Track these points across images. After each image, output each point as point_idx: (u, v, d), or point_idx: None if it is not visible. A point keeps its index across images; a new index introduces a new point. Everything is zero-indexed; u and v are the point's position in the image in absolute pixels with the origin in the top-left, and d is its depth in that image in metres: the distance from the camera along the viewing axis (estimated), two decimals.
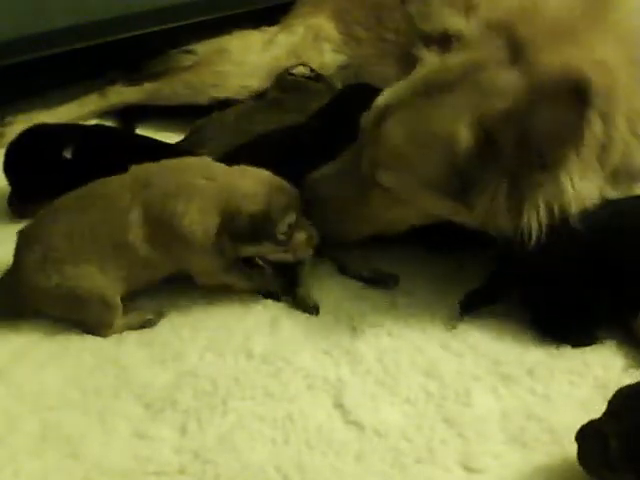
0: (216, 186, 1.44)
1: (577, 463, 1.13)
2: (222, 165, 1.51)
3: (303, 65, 2.17)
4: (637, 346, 1.40)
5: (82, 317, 1.47)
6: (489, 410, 1.30)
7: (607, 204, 1.41)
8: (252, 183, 1.45)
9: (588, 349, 1.41)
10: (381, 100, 1.50)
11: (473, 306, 1.47)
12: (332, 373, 1.37)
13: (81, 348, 1.45)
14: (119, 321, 1.47)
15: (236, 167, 1.49)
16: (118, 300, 1.46)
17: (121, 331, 1.47)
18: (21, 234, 1.49)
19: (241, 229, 1.42)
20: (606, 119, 1.35)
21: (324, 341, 1.44)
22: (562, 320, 1.43)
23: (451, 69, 1.44)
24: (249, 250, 1.48)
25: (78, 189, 1.51)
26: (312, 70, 2.16)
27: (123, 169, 1.72)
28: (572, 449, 1.20)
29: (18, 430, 1.29)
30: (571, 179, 1.36)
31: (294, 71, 2.15)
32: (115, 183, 1.49)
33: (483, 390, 1.33)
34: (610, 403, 1.11)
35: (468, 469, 1.20)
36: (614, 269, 1.37)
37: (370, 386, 1.35)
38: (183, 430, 1.28)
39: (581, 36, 1.38)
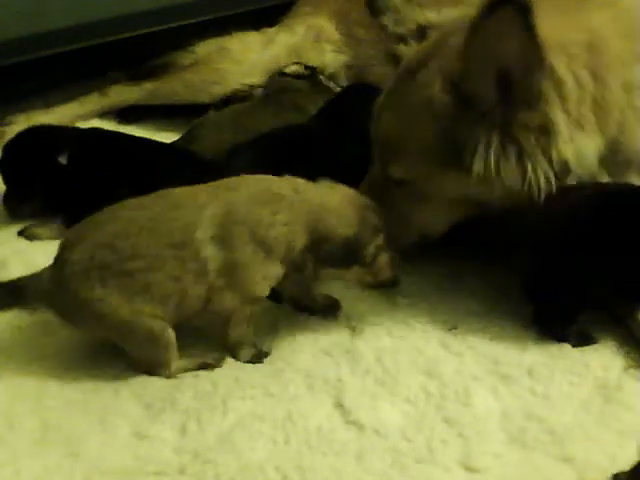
0: (305, 202, 1.36)
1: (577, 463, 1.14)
2: (307, 181, 1.41)
3: (298, 64, 2.17)
4: (637, 346, 1.40)
5: (129, 348, 1.38)
6: (489, 410, 1.30)
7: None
8: (342, 203, 1.37)
9: (588, 349, 1.41)
10: (376, 104, 1.54)
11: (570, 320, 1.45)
12: (332, 373, 1.37)
13: (81, 348, 1.45)
14: (178, 363, 1.38)
15: (323, 183, 1.42)
16: (169, 335, 1.35)
17: (180, 373, 1.38)
18: (66, 238, 1.41)
19: (333, 253, 1.35)
20: (596, 77, 1.38)
21: (324, 341, 1.44)
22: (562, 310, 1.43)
23: (422, 50, 1.49)
24: (331, 273, 1.41)
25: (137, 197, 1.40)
26: (307, 67, 2.16)
27: (121, 171, 1.74)
28: (572, 449, 1.21)
29: (18, 430, 1.29)
30: (559, 118, 1.37)
31: (287, 70, 2.16)
32: (187, 188, 1.40)
33: (483, 390, 1.33)
34: None
35: (468, 469, 1.20)
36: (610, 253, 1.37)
37: (370, 386, 1.35)
38: (183, 430, 1.28)
39: (575, 9, 1.41)
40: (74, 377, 1.39)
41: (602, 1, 1.47)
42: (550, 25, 1.32)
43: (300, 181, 1.41)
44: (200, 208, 1.34)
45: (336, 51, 2.26)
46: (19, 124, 2.07)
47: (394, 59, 1.66)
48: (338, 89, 2.13)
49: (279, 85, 2.14)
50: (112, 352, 1.44)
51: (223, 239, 1.33)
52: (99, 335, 1.40)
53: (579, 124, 1.39)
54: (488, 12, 1.27)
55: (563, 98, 1.37)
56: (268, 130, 1.83)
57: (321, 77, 2.17)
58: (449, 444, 1.24)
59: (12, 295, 1.39)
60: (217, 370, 1.38)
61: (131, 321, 1.33)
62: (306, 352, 1.42)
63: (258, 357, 1.41)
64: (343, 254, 1.36)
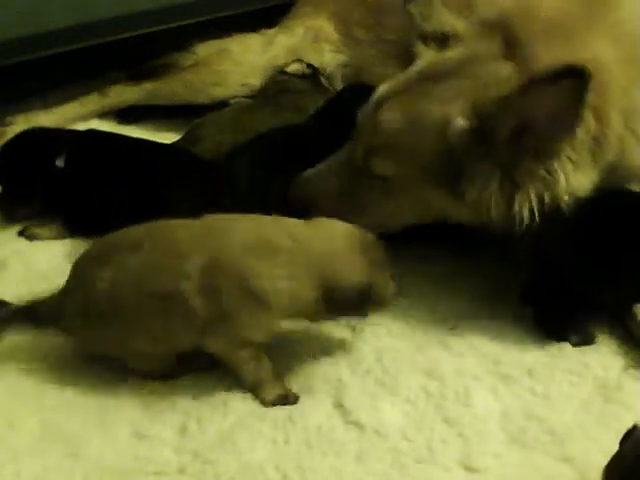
0: (307, 253, 1.29)
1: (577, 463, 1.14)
2: (298, 222, 1.34)
3: (299, 61, 2.17)
4: (637, 346, 1.40)
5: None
6: (489, 410, 1.30)
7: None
8: (347, 247, 1.30)
9: (588, 349, 1.41)
10: (378, 93, 1.53)
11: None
12: (332, 373, 1.37)
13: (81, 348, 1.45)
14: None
15: (314, 222, 1.34)
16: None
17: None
18: (73, 266, 1.39)
19: (346, 301, 1.29)
20: (598, 115, 1.38)
21: (324, 341, 1.44)
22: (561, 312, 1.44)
23: (446, 61, 1.48)
24: (342, 316, 1.38)
25: (135, 226, 1.37)
26: (309, 66, 2.16)
27: (119, 172, 1.73)
28: (572, 449, 1.21)
29: (18, 430, 1.28)
30: (564, 170, 1.37)
31: (288, 69, 2.15)
32: (177, 227, 1.35)
33: (483, 390, 1.33)
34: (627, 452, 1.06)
35: (468, 469, 1.20)
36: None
37: (370, 386, 1.35)
38: (183, 430, 1.28)
39: (576, 35, 1.40)
40: (74, 377, 1.39)
41: (601, 24, 1.45)
42: (552, 58, 1.32)
43: (293, 225, 1.33)
44: (186, 257, 1.28)
45: (335, 51, 2.26)
46: (19, 124, 2.07)
47: (405, 58, 1.65)
48: (337, 89, 2.13)
49: (279, 85, 2.14)
50: None
51: (211, 289, 1.27)
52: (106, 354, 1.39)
53: (577, 167, 1.39)
54: (555, 77, 1.27)
55: (572, 148, 1.37)
56: (267, 130, 1.83)
57: (322, 77, 2.17)
58: (449, 444, 1.24)
59: (26, 318, 1.39)
60: (217, 370, 1.38)
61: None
62: (306, 352, 1.42)
63: (284, 398, 1.32)
64: (357, 300, 1.30)
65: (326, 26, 2.27)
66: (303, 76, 2.14)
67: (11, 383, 1.38)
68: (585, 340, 1.41)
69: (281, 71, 2.16)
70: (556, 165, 1.37)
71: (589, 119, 1.37)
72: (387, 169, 1.47)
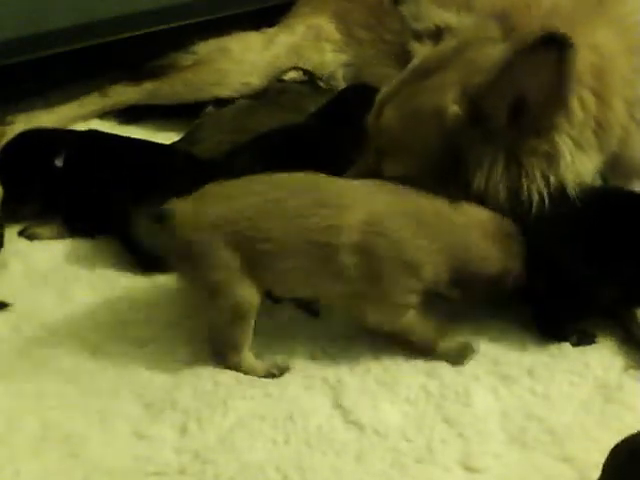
0: (449, 234, 1.33)
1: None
2: (446, 202, 1.36)
3: (295, 69, 2.18)
4: (637, 346, 1.40)
5: (212, 316, 1.37)
6: (489, 410, 1.30)
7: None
8: (487, 238, 1.34)
9: (588, 349, 1.41)
10: (379, 96, 1.54)
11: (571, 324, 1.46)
12: (331, 373, 1.37)
13: (81, 348, 1.45)
14: (250, 360, 1.38)
15: (459, 205, 1.36)
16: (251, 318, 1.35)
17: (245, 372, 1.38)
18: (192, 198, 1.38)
19: (475, 287, 1.35)
20: (600, 98, 1.38)
21: (324, 341, 1.44)
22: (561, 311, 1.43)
23: (439, 53, 1.48)
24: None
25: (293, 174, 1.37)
26: (305, 72, 2.17)
27: (118, 172, 1.73)
28: (572, 449, 1.21)
29: (18, 430, 1.29)
30: (567, 147, 1.37)
31: (286, 77, 2.16)
32: (332, 183, 1.38)
33: (483, 390, 1.33)
34: (612, 458, 1.05)
35: (468, 469, 1.20)
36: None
37: (370, 386, 1.35)
38: (183, 430, 1.28)
39: (578, 24, 1.40)
40: (74, 377, 1.39)
41: (605, 15, 1.46)
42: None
43: (443, 205, 1.36)
44: (344, 211, 1.31)
45: (336, 51, 2.26)
46: (19, 124, 2.07)
47: (398, 55, 1.65)
48: (338, 89, 2.13)
49: (280, 86, 2.15)
50: (112, 352, 1.44)
51: (366, 250, 1.30)
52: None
53: (580, 147, 1.39)
54: (534, 46, 1.27)
55: (571, 125, 1.37)
56: (267, 130, 1.83)
57: (319, 81, 2.17)
58: (449, 444, 1.24)
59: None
60: (217, 370, 1.38)
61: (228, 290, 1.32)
62: (306, 352, 1.42)
63: (463, 349, 1.38)
64: (485, 288, 1.35)
65: (327, 25, 2.27)
66: (301, 83, 2.15)
67: (11, 383, 1.38)
68: (585, 340, 1.41)
69: (278, 79, 2.16)
70: (558, 140, 1.37)
71: (589, 99, 1.37)
72: (396, 169, 1.47)
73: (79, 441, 1.26)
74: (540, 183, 1.38)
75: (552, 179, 1.38)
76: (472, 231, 1.35)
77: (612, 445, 1.08)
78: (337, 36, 2.26)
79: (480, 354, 1.41)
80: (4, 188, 1.82)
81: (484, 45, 1.41)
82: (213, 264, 1.32)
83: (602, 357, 1.39)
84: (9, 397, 1.35)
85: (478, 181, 1.39)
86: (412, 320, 1.36)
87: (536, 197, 1.38)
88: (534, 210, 1.39)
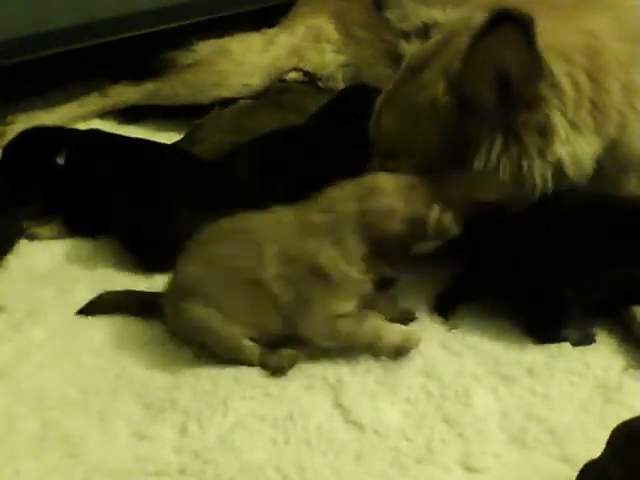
0: (340, 214, 1.36)
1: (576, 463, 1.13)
2: (329, 190, 1.40)
3: (296, 70, 2.18)
4: (637, 346, 1.40)
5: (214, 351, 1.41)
6: (489, 410, 1.30)
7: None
8: (376, 197, 1.36)
9: (588, 349, 1.41)
10: (378, 102, 1.55)
11: (449, 306, 1.49)
12: (332, 373, 1.37)
13: (81, 348, 1.45)
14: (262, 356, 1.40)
15: (349, 183, 1.40)
16: (246, 342, 1.39)
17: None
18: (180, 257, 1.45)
19: (395, 245, 1.36)
20: (594, 79, 1.39)
21: None
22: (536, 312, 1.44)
23: (428, 49, 1.50)
24: (402, 266, 1.42)
25: (224, 219, 1.44)
26: (305, 74, 2.17)
27: (119, 172, 1.73)
28: (572, 449, 1.20)
29: (18, 430, 1.29)
30: (558, 120, 1.38)
31: (286, 77, 2.16)
32: (258, 218, 1.43)
33: (483, 390, 1.33)
34: (612, 442, 1.06)
35: (468, 469, 1.20)
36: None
37: (370, 386, 1.35)
38: (183, 430, 1.28)
39: (575, 11, 1.42)
40: (74, 377, 1.39)
41: (602, 4, 1.47)
42: (549, 29, 1.33)
43: (324, 198, 1.39)
44: (261, 247, 1.36)
45: (336, 51, 2.26)
46: (19, 124, 2.07)
47: (395, 57, 1.66)
48: (338, 89, 2.13)
49: (280, 87, 2.15)
50: (112, 352, 1.44)
51: (288, 275, 1.35)
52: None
53: (576, 127, 1.40)
54: (491, 26, 1.27)
55: (561, 101, 1.38)
56: (268, 131, 1.83)
57: (319, 83, 2.17)
58: (449, 444, 1.24)
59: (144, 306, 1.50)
60: (217, 370, 1.38)
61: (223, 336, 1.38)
62: (306, 352, 1.42)
63: (407, 337, 1.39)
64: (407, 240, 1.35)
65: (326, 26, 2.27)
66: (309, 82, 2.15)
67: (11, 383, 1.38)
68: (584, 340, 1.41)
69: (280, 79, 2.16)
70: (548, 113, 1.37)
71: (582, 79, 1.38)
72: (405, 169, 1.48)
73: (79, 441, 1.26)
74: (538, 160, 1.39)
75: (549, 155, 1.39)
76: (368, 196, 1.36)
77: None
78: (336, 36, 2.26)
79: (480, 354, 1.41)
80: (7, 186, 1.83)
81: (468, 32, 1.39)
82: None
83: (602, 357, 1.39)
84: (9, 397, 1.35)
85: (479, 163, 1.39)
86: (348, 325, 1.37)
87: (538, 177, 1.39)
88: (537, 192, 1.39)
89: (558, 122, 1.38)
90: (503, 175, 1.39)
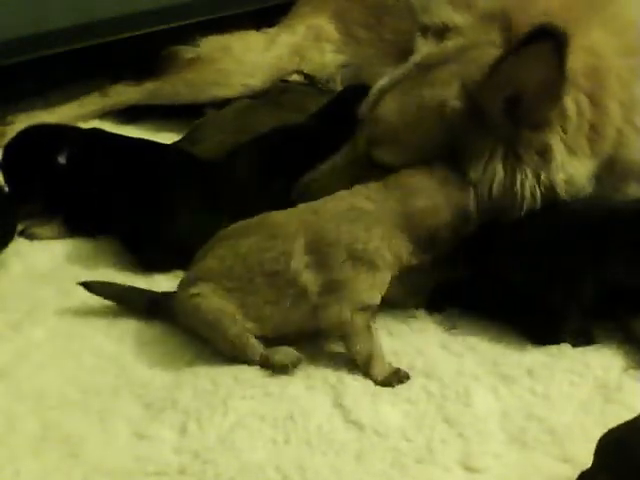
0: (390, 212, 1.37)
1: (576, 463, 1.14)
2: (375, 185, 1.42)
3: (297, 73, 2.18)
4: (637, 346, 1.40)
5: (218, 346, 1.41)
6: (489, 410, 1.30)
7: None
8: (423, 198, 1.38)
9: (588, 349, 1.41)
10: (377, 86, 1.55)
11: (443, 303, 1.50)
12: (332, 373, 1.37)
13: (81, 348, 1.45)
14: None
15: (390, 180, 1.41)
16: (252, 340, 1.39)
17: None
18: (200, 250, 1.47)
19: (442, 242, 1.38)
20: (595, 101, 1.40)
21: (324, 341, 1.44)
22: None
23: (443, 51, 1.51)
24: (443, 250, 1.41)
25: (248, 219, 1.45)
26: (307, 76, 2.17)
27: (120, 171, 1.73)
28: (572, 449, 1.20)
29: (18, 430, 1.28)
30: (557, 147, 1.39)
31: (289, 79, 2.17)
32: (279, 216, 1.44)
33: (483, 390, 1.33)
34: (598, 451, 1.07)
35: (468, 469, 1.20)
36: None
37: (370, 386, 1.35)
38: (183, 430, 1.28)
39: (574, 25, 1.40)
40: (74, 377, 1.39)
41: (602, 18, 1.46)
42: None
43: (370, 189, 1.41)
44: (292, 238, 1.37)
45: (336, 51, 2.26)
46: (19, 124, 2.07)
47: (402, 55, 1.66)
48: (338, 89, 2.14)
49: (281, 86, 2.15)
50: (112, 352, 1.44)
51: (319, 263, 1.36)
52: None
53: (573, 151, 1.41)
54: (528, 39, 1.29)
55: (564, 127, 1.39)
56: (268, 130, 1.83)
57: (319, 85, 2.18)
58: (449, 444, 1.24)
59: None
60: (217, 369, 1.38)
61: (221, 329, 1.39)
62: (306, 352, 1.42)
63: (395, 375, 1.36)
64: (454, 232, 1.38)
65: (327, 25, 2.27)
66: (310, 85, 2.16)
67: (11, 383, 1.38)
68: (582, 340, 1.41)
69: (282, 80, 2.17)
70: (551, 140, 1.38)
71: (584, 102, 1.39)
72: (391, 158, 1.48)
73: (79, 441, 1.26)
74: (532, 180, 1.40)
75: (543, 177, 1.40)
76: (412, 197, 1.38)
77: None
78: (337, 36, 2.26)
79: (480, 354, 1.41)
80: (8, 186, 1.83)
81: (485, 47, 1.43)
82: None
83: (602, 357, 1.39)
84: (9, 397, 1.35)
85: (475, 171, 1.40)
86: (361, 325, 1.36)
87: (528, 194, 1.40)
88: (525, 208, 1.40)
89: (556, 147, 1.39)
90: (495, 190, 1.40)
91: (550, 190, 1.41)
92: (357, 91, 1.92)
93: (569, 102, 1.38)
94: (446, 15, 1.59)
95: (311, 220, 1.40)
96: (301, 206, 1.45)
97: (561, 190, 1.41)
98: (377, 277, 1.36)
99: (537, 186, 1.40)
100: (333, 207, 1.40)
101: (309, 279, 1.36)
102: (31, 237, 1.77)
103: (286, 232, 1.39)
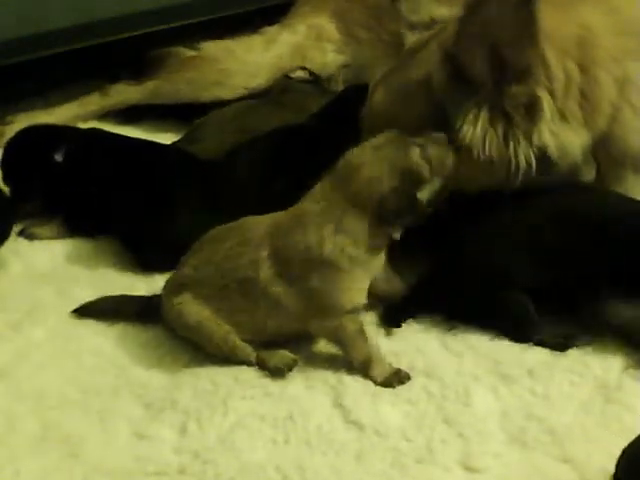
0: (332, 202, 1.34)
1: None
2: (319, 183, 1.39)
3: (302, 69, 2.18)
4: (637, 346, 1.40)
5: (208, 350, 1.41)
6: (489, 410, 1.30)
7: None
8: (361, 167, 1.34)
9: (588, 349, 1.40)
10: (372, 83, 1.58)
11: (398, 318, 1.48)
12: (332, 373, 1.37)
13: (81, 348, 1.45)
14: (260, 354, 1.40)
15: (333, 168, 1.38)
16: (239, 343, 1.38)
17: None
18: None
19: (393, 208, 1.32)
20: (585, 70, 1.41)
21: (324, 341, 1.44)
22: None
23: (425, 36, 1.53)
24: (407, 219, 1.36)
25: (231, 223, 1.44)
26: (311, 74, 2.17)
27: (119, 171, 1.73)
28: (572, 449, 1.20)
29: (18, 430, 1.29)
30: (547, 101, 1.39)
31: (293, 75, 2.16)
32: (257, 219, 1.42)
33: (483, 390, 1.33)
34: (618, 469, 1.06)
35: (468, 469, 1.20)
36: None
37: (370, 386, 1.35)
38: (183, 430, 1.28)
39: (570, 4, 1.44)
40: (74, 377, 1.39)
41: None
42: (542, 19, 1.34)
43: (316, 189, 1.38)
44: (258, 247, 1.36)
45: (336, 51, 2.26)
46: (19, 124, 2.07)
47: (397, 52, 1.68)
48: (339, 90, 2.14)
49: (282, 86, 2.15)
50: (112, 352, 1.44)
51: (288, 274, 1.33)
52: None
53: (564, 116, 1.41)
54: None
55: (550, 82, 1.39)
56: (268, 130, 1.83)
57: (323, 82, 2.18)
58: (449, 444, 1.24)
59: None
60: (217, 369, 1.38)
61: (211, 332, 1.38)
62: (306, 352, 1.42)
63: (396, 376, 1.35)
64: (406, 196, 1.33)
65: (327, 25, 2.27)
66: (314, 82, 2.15)
67: (11, 383, 1.38)
68: (564, 342, 1.41)
69: (286, 75, 2.16)
70: (537, 92, 1.38)
71: (572, 68, 1.40)
72: None
73: (79, 441, 1.26)
74: (524, 142, 1.39)
75: (535, 138, 1.39)
76: (349, 177, 1.34)
77: (612, 445, 1.08)
78: (337, 36, 2.26)
79: (480, 354, 1.41)
80: (7, 186, 1.83)
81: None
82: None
83: (602, 357, 1.39)
84: (9, 397, 1.35)
85: (466, 136, 1.40)
86: (354, 330, 1.36)
87: (523, 162, 1.40)
88: (520, 176, 1.40)
89: (546, 101, 1.39)
90: (488, 151, 1.40)
91: (544, 157, 1.40)
92: (358, 91, 1.92)
93: (555, 64, 1.38)
94: (434, 10, 1.62)
95: (272, 231, 1.37)
96: (274, 214, 1.42)
97: (554, 156, 1.40)
98: (347, 278, 1.33)
99: (530, 150, 1.39)
100: (287, 218, 1.38)
101: (281, 291, 1.34)
102: (31, 237, 1.77)
103: (255, 240, 1.37)
